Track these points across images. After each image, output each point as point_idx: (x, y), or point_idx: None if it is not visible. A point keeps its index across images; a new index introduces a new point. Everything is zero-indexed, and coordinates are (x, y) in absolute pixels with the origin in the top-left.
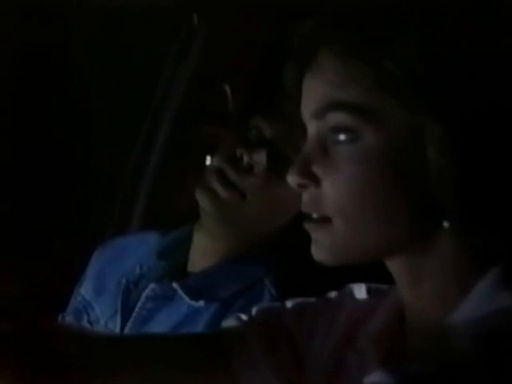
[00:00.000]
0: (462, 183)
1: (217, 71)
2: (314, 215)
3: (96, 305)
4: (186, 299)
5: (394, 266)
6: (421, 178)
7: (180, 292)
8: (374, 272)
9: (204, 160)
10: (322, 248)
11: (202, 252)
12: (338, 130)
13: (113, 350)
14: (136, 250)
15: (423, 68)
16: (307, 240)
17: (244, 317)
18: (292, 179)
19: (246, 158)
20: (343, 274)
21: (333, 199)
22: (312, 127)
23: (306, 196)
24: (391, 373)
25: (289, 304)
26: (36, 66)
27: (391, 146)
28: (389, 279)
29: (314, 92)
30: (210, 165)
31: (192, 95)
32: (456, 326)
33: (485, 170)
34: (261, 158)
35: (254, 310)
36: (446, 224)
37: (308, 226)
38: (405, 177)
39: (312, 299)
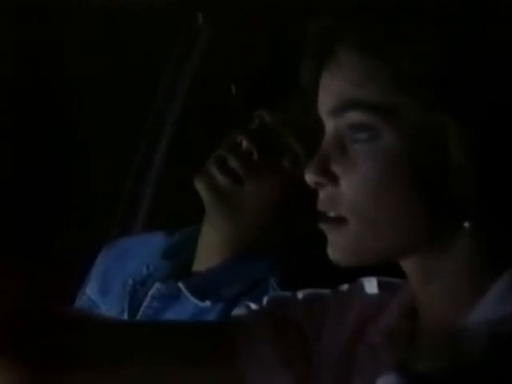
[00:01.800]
0: (483, 182)
1: (221, 70)
2: (331, 214)
3: (101, 304)
4: (192, 299)
5: (409, 265)
6: (440, 177)
7: (185, 292)
8: (383, 268)
9: (208, 159)
10: (337, 249)
11: (208, 248)
12: (356, 128)
13: (116, 338)
14: (141, 251)
15: (442, 66)
16: (313, 235)
17: (253, 306)
18: (309, 177)
19: (245, 144)
20: (351, 271)
21: (351, 198)
22: (329, 125)
23: (323, 194)
24: (405, 375)
25: (300, 295)
26: (36, 66)
27: (410, 145)
28: (398, 273)
29: (331, 89)
30: (212, 155)
31: (195, 95)
32: (469, 328)
33: (506, 169)
34: (259, 143)
35: (264, 300)
36: (466, 224)
37: (323, 226)
38: (424, 176)
39: (324, 291)
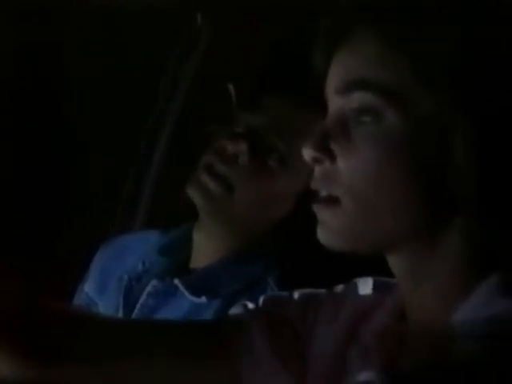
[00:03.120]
0: (483, 182)
1: (221, 70)
2: (323, 193)
3: (99, 302)
4: (188, 295)
5: (397, 263)
6: (440, 171)
7: (181, 288)
8: (378, 268)
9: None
10: (328, 230)
11: (203, 252)
12: (362, 109)
13: (116, 336)
14: (138, 248)
15: (459, 61)
16: (309, 235)
17: (250, 305)
18: (307, 152)
19: (229, 148)
20: (348, 270)
21: (347, 178)
22: (334, 104)
23: (318, 171)
24: (385, 373)
25: (296, 295)
26: (36, 66)
27: (414, 133)
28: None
29: (341, 67)
30: (201, 160)
31: (195, 95)
32: (454, 328)
33: (507, 171)
34: (243, 146)
35: (260, 299)
36: (460, 222)
37: (316, 207)
38: (423, 166)
39: (320, 291)
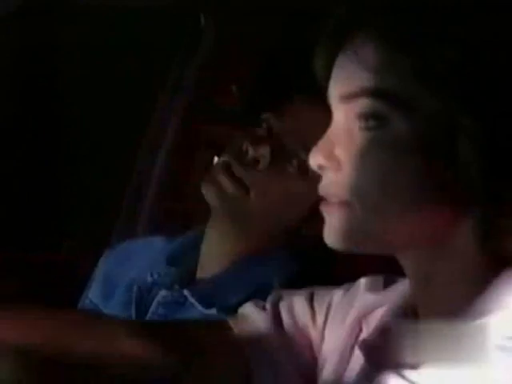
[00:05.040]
0: (489, 182)
1: (224, 71)
2: (331, 199)
3: (104, 309)
4: (198, 306)
5: (408, 264)
6: (447, 171)
7: (191, 299)
8: (387, 269)
9: (211, 160)
10: (335, 232)
11: (213, 253)
12: (367, 115)
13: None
14: (143, 255)
15: (462, 63)
16: (320, 241)
17: (261, 303)
18: (313, 160)
19: (251, 152)
20: (353, 275)
21: (354, 184)
22: (340, 111)
23: (325, 178)
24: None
25: (305, 294)
26: (37, 66)
27: (420, 136)
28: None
29: (345, 74)
30: (218, 160)
31: (199, 95)
32: (464, 327)
33: None
34: (265, 151)
35: (270, 298)
36: (469, 221)
37: (324, 209)
38: (430, 167)
39: (329, 290)
